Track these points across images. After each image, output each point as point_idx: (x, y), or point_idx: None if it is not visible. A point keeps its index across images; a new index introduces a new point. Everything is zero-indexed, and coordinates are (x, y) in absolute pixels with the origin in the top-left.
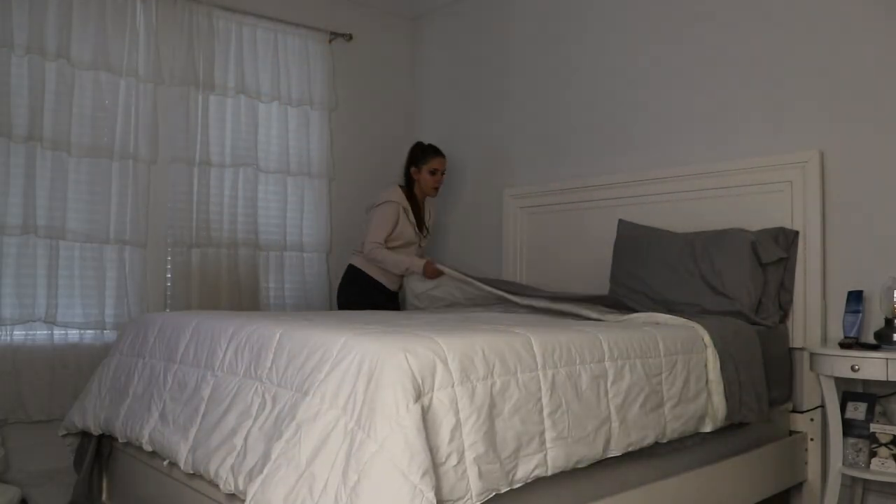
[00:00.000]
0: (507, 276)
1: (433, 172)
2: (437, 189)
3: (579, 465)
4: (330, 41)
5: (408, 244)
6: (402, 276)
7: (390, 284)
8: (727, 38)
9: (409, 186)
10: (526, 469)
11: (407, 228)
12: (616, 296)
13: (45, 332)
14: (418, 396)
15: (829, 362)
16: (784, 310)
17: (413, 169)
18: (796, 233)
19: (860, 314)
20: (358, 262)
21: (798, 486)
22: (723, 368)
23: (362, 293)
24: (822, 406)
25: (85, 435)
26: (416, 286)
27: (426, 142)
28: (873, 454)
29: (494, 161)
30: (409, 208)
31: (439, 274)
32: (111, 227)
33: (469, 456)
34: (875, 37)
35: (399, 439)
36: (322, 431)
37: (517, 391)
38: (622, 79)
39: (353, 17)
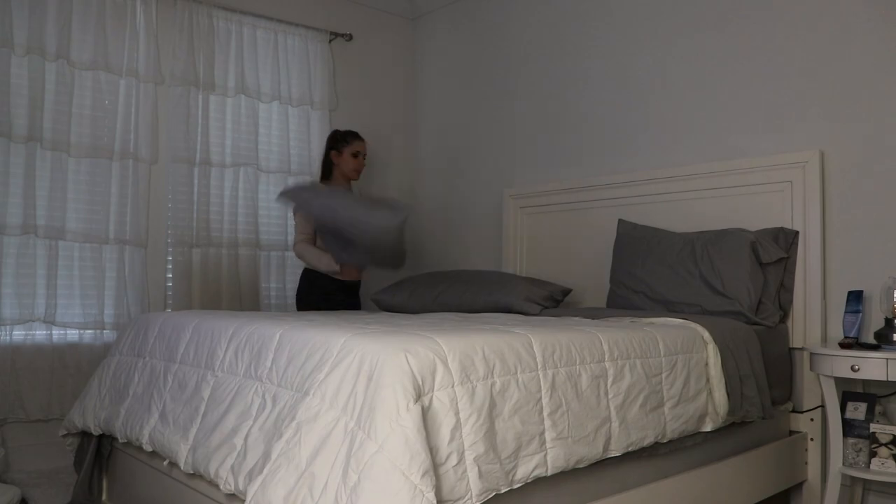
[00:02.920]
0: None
1: (355, 155)
2: (359, 172)
3: (579, 465)
4: (330, 41)
5: None
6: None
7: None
8: (727, 39)
9: (327, 176)
10: (526, 469)
11: None
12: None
13: (45, 332)
14: (418, 396)
15: (829, 362)
16: (784, 310)
17: (333, 152)
18: (796, 233)
19: (860, 314)
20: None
21: (798, 486)
22: (724, 364)
23: (313, 288)
24: (822, 406)
25: (85, 435)
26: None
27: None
28: (873, 454)
29: (494, 161)
30: None
31: (356, 275)
32: (111, 227)
33: (469, 456)
34: (874, 37)
35: (399, 439)
36: (322, 431)
37: (517, 391)
38: (622, 79)
39: (353, 17)
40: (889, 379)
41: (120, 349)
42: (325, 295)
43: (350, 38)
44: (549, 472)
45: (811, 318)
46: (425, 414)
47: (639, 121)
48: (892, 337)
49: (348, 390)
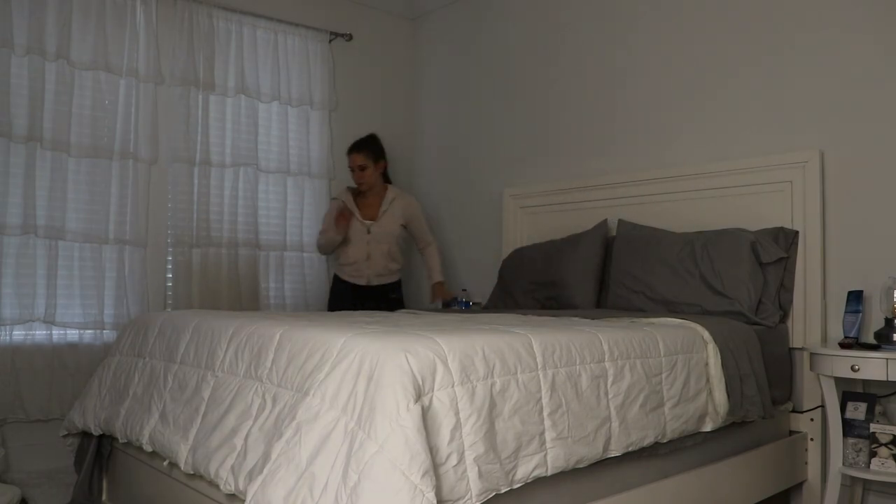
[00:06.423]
0: None
1: (351, 169)
2: (361, 183)
3: (579, 465)
4: (330, 41)
5: (354, 236)
6: (367, 267)
7: (355, 279)
8: (727, 38)
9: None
10: (526, 469)
11: (351, 223)
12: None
13: (45, 332)
14: (418, 396)
15: (829, 362)
16: (784, 310)
17: None
18: (796, 233)
19: (860, 314)
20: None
21: (798, 486)
22: (724, 364)
23: (334, 297)
24: (822, 406)
25: (85, 435)
26: None
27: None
28: (873, 454)
29: (494, 161)
30: (352, 202)
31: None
32: (111, 227)
33: (469, 456)
34: (875, 37)
35: (399, 439)
36: (322, 431)
37: (517, 391)
38: (623, 78)
39: (353, 17)
40: (889, 379)
41: (120, 349)
42: (338, 298)
43: (350, 38)
44: (549, 472)
45: (811, 318)
46: (425, 414)
47: (639, 121)
48: (892, 337)
49: (348, 390)
